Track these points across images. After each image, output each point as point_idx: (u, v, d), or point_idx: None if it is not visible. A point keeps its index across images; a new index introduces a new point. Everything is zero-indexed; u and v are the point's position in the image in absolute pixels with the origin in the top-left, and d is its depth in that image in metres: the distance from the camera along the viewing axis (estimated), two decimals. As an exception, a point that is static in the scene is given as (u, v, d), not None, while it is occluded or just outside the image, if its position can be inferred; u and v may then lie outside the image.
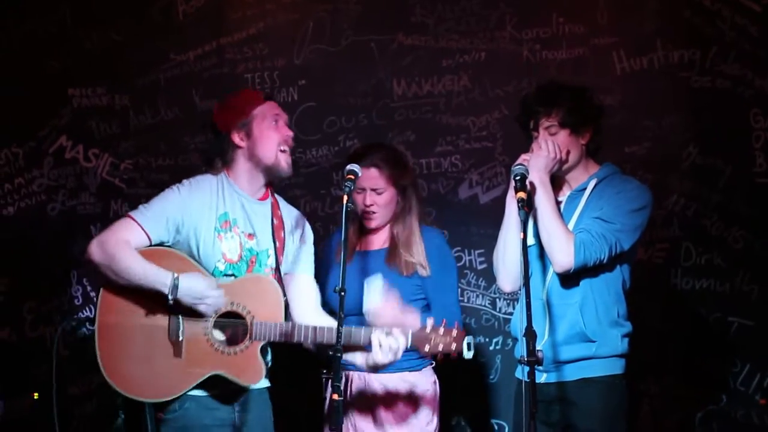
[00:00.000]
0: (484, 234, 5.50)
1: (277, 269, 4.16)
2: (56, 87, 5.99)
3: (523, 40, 5.60)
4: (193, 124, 5.87)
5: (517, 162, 4.15)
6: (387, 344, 3.97)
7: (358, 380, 4.49)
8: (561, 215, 4.17)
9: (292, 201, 4.46)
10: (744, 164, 5.28)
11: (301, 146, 5.50)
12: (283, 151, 4.14)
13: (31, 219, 5.96)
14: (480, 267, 5.56)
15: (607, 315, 4.15)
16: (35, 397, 4.99)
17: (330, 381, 4.36)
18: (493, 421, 5.47)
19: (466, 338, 3.98)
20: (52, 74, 5.99)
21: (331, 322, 4.04)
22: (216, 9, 5.93)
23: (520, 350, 3.87)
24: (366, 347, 4.05)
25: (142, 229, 3.96)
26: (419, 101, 5.70)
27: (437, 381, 4.58)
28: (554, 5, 5.57)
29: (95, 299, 5.71)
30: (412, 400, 4.47)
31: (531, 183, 4.13)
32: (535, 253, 4.24)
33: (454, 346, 3.98)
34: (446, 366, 4.60)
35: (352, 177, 4.01)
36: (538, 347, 3.72)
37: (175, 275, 3.88)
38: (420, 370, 4.50)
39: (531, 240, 4.23)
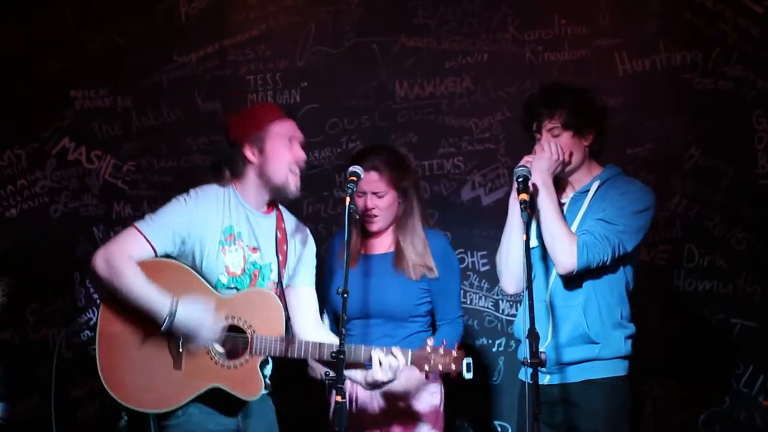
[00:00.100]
0: (486, 236, 5.50)
1: (279, 283, 4.15)
2: (59, 88, 5.99)
3: (526, 42, 5.60)
4: (196, 125, 5.88)
5: (520, 164, 4.15)
6: (387, 363, 3.96)
7: (362, 401, 4.49)
8: (564, 217, 4.17)
9: (294, 203, 4.46)
10: (746, 166, 5.28)
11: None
12: (293, 173, 4.09)
13: (34, 221, 5.96)
14: (483, 269, 5.56)
15: (610, 316, 4.15)
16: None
17: (332, 383, 4.37)
18: (496, 422, 5.47)
19: (465, 359, 3.98)
20: (54, 75, 5.99)
21: (331, 337, 4.06)
22: (218, 11, 5.93)
23: (523, 352, 3.86)
24: (366, 364, 4.05)
25: (148, 242, 3.93)
26: (422, 103, 5.70)
27: (442, 384, 4.59)
28: (556, 7, 5.58)
29: (98, 301, 5.76)
30: (417, 403, 4.47)
31: (534, 185, 4.13)
32: (538, 255, 4.24)
33: (453, 366, 3.98)
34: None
35: (355, 178, 4.02)
36: (541, 349, 3.72)
37: (174, 307, 3.85)
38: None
39: (534, 242, 4.23)
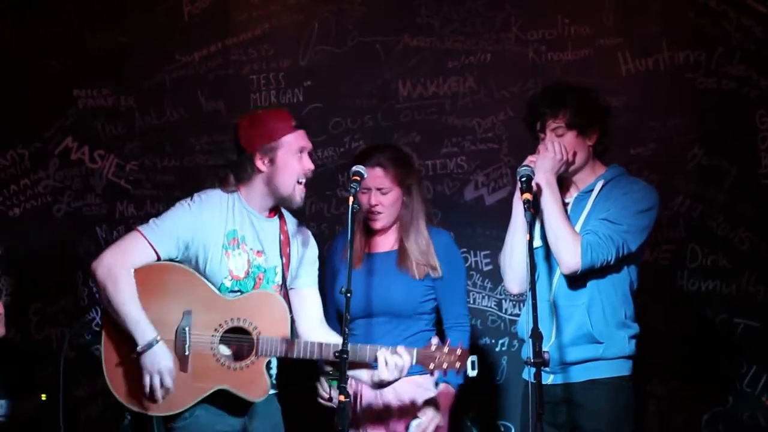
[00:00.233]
0: (489, 235, 5.50)
1: (284, 285, 4.16)
2: (61, 88, 5.99)
3: (529, 42, 5.60)
4: (199, 125, 5.88)
5: (524, 163, 4.15)
6: (393, 362, 3.99)
7: (367, 399, 4.49)
8: (568, 217, 4.17)
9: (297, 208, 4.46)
10: (750, 165, 5.27)
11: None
12: (300, 183, 4.12)
13: (37, 220, 5.97)
14: (486, 268, 5.56)
15: (614, 316, 4.15)
16: (43, 398, 4.99)
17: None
18: (500, 422, 5.47)
19: (470, 357, 4.00)
20: (57, 75, 6.00)
21: (335, 338, 4.06)
22: (221, 10, 5.93)
23: (527, 352, 3.87)
24: (371, 364, 4.06)
25: (152, 246, 3.95)
26: (425, 102, 5.70)
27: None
28: (559, 6, 5.57)
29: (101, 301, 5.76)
30: (423, 405, 4.48)
31: (537, 184, 4.13)
32: (542, 255, 4.24)
33: (458, 365, 4.01)
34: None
35: (358, 178, 4.03)
36: (544, 348, 3.73)
37: (155, 341, 3.89)
38: (428, 373, 4.49)
39: (538, 242, 4.23)
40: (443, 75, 5.68)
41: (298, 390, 4.48)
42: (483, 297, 5.56)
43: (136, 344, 3.88)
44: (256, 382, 4.00)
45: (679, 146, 5.37)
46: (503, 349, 5.52)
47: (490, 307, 5.55)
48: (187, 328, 3.94)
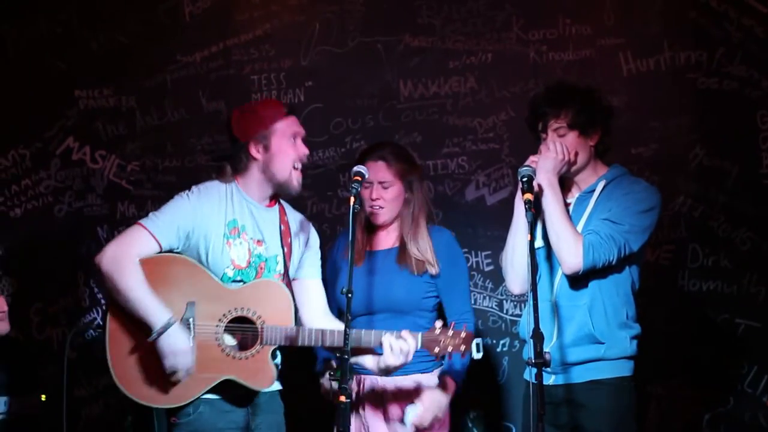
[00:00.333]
0: (490, 236, 5.50)
1: (286, 274, 4.17)
2: (63, 88, 6.00)
3: (530, 42, 5.59)
4: (200, 125, 5.89)
5: (526, 163, 4.15)
6: (398, 347, 4.00)
7: (369, 383, 4.50)
8: (570, 217, 4.17)
9: (298, 203, 4.47)
10: (751, 165, 5.26)
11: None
12: (296, 169, 4.14)
13: (38, 221, 5.97)
14: (487, 269, 5.56)
15: (616, 317, 4.15)
16: (43, 399, 4.99)
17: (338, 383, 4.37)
18: (501, 423, 5.46)
19: (475, 339, 4.01)
20: (58, 75, 6.00)
21: (340, 326, 4.05)
22: (222, 10, 5.93)
23: (528, 352, 3.87)
24: (376, 350, 4.07)
25: (153, 237, 3.96)
26: (426, 102, 5.70)
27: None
28: (561, 6, 5.57)
29: (102, 301, 5.77)
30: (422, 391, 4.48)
31: (539, 185, 4.13)
32: (544, 255, 4.24)
33: (463, 347, 4.02)
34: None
35: (359, 178, 4.02)
36: (546, 349, 3.72)
37: (171, 322, 3.89)
38: (430, 372, 4.51)
39: (539, 242, 4.23)
40: (444, 75, 5.68)
41: (300, 388, 4.48)
42: (484, 297, 5.56)
43: (150, 330, 3.88)
44: (262, 371, 4.01)
45: (681, 146, 5.37)
46: (504, 349, 5.52)
47: (491, 307, 5.55)
48: (191, 319, 3.95)
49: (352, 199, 3.91)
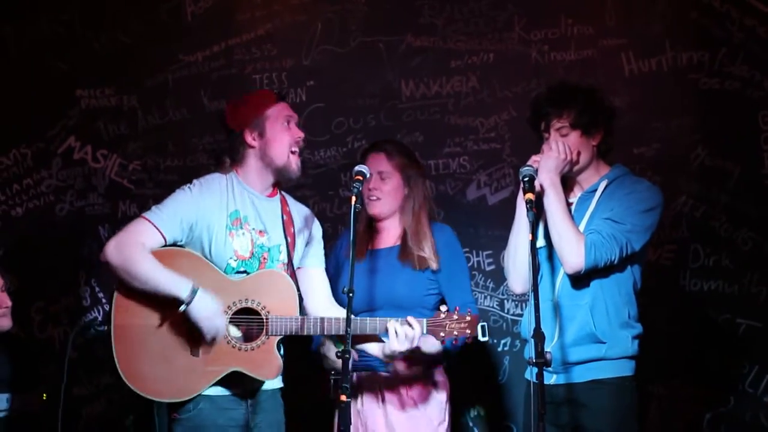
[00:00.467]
0: (492, 235, 5.51)
1: (290, 264, 4.17)
2: (65, 88, 6.01)
3: (532, 42, 5.60)
4: (202, 124, 5.89)
5: (528, 163, 4.16)
6: (403, 332, 4.02)
7: (368, 381, 4.51)
8: (572, 216, 4.17)
9: (300, 202, 4.47)
10: (753, 166, 5.26)
11: (309, 147, 5.50)
12: (293, 153, 4.17)
13: (40, 220, 5.98)
14: (488, 268, 5.56)
15: (617, 316, 4.14)
16: (44, 398, 4.99)
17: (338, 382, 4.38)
18: (502, 422, 5.46)
19: (480, 323, 4.04)
20: (60, 75, 6.01)
21: (344, 313, 4.05)
22: (224, 10, 5.94)
23: (529, 352, 3.87)
24: (381, 336, 4.09)
25: (158, 230, 3.97)
26: (427, 102, 5.70)
27: (447, 381, 4.60)
28: (562, 6, 5.57)
29: (103, 300, 5.78)
30: (422, 396, 4.48)
31: (541, 184, 4.13)
32: (545, 255, 4.24)
33: (468, 331, 4.05)
34: (455, 367, 4.63)
35: (361, 178, 4.03)
36: (547, 348, 3.72)
37: (195, 287, 3.89)
38: (431, 369, 4.50)
39: (541, 241, 4.24)
40: (446, 75, 5.69)
41: (301, 387, 4.48)
42: (485, 297, 5.56)
43: (179, 301, 3.88)
44: (269, 362, 4.01)
45: (682, 147, 5.36)
46: (505, 349, 5.52)
47: (493, 307, 5.55)
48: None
49: (354, 198, 3.92)
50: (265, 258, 4.11)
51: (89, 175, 5.97)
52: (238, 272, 4.06)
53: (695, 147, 5.35)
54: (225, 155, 4.23)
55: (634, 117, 5.32)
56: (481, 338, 4.07)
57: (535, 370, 3.67)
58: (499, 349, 5.52)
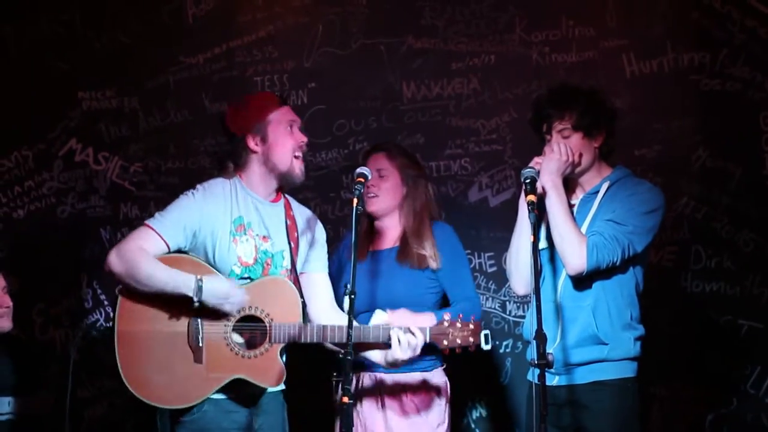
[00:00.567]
0: (493, 237, 5.51)
1: (293, 269, 4.17)
2: (66, 90, 6.00)
3: (533, 43, 5.60)
4: (203, 126, 5.89)
5: (530, 165, 4.16)
6: (406, 341, 4.02)
7: (368, 381, 4.51)
8: (573, 218, 4.17)
9: (301, 203, 4.47)
10: (754, 167, 5.26)
11: (310, 149, 5.44)
12: (297, 157, 4.15)
13: (41, 222, 5.98)
14: (490, 270, 5.55)
15: (620, 318, 4.14)
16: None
17: (340, 383, 4.38)
18: (504, 424, 5.46)
19: (483, 331, 4.05)
20: (61, 77, 6.00)
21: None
22: (225, 12, 5.94)
23: (531, 353, 3.87)
24: (384, 343, 4.09)
25: (161, 237, 3.96)
26: (429, 104, 5.70)
27: (448, 382, 4.60)
28: (563, 8, 5.57)
29: (105, 302, 5.77)
30: (423, 402, 4.48)
31: (543, 186, 4.13)
32: (547, 257, 4.24)
33: (471, 339, 4.05)
34: (456, 367, 4.63)
35: (362, 180, 4.03)
36: (549, 350, 3.73)
37: (199, 277, 3.89)
38: (431, 371, 4.51)
39: (543, 243, 4.24)
40: (447, 76, 5.69)
41: (302, 389, 4.48)
42: (487, 299, 5.55)
43: (186, 300, 3.89)
44: (272, 369, 4.01)
45: (684, 148, 5.36)
46: (507, 350, 5.52)
47: (495, 308, 5.55)
48: (199, 319, 3.95)
49: (355, 200, 3.92)
50: (268, 264, 4.11)
51: (90, 177, 5.96)
52: (242, 278, 4.05)
53: (696, 148, 5.34)
54: (228, 159, 4.21)
55: (635, 118, 5.31)
56: (484, 346, 4.07)
57: (537, 371, 3.67)
58: (501, 350, 5.52)
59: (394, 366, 4.15)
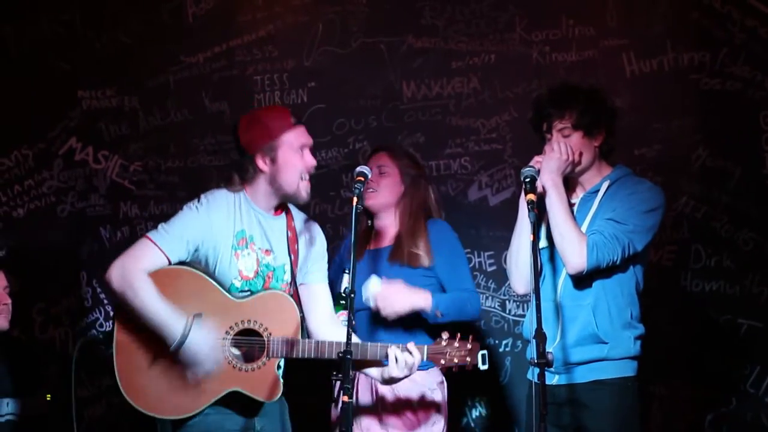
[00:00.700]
0: (493, 236, 5.51)
1: (293, 282, 4.17)
2: (66, 89, 6.00)
3: (533, 42, 5.60)
4: (203, 125, 5.89)
5: (530, 164, 4.16)
6: (403, 360, 4.00)
7: (364, 380, 4.52)
8: (574, 217, 4.17)
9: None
10: (754, 166, 5.26)
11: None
12: (303, 179, 4.11)
13: (41, 221, 5.98)
14: (490, 269, 5.56)
15: (620, 317, 4.14)
16: (47, 398, 4.99)
17: (340, 382, 4.38)
18: (503, 423, 5.46)
19: (481, 351, 4.04)
20: (61, 76, 6.01)
21: (345, 334, 4.06)
22: (226, 11, 5.94)
23: (531, 352, 3.87)
24: (382, 361, 4.09)
25: (162, 252, 3.93)
26: (429, 103, 5.70)
27: (444, 381, 4.61)
28: (564, 7, 5.57)
29: (105, 301, 5.78)
30: (419, 401, 4.50)
31: (544, 185, 4.13)
32: (547, 256, 4.24)
33: (468, 359, 4.04)
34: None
35: (362, 179, 4.04)
36: (549, 349, 3.72)
37: (187, 331, 3.86)
38: (427, 370, 4.51)
39: (544, 242, 4.24)
40: (447, 76, 5.69)
41: (303, 389, 4.48)
42: (487, 298, 5.55)
43: (167, 342, 3.87)
44: (269, 383, 4.00)
45: (684, 147, 5.36)
46: (507, 349, 5.52)
47: (494, 307, 5.55)
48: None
49: (355, 199, 3.92)
50: (269, 277, 4.10)
51: (90, 176, 5.97)
52: (242, 291, 4.04)
53: (696, 147, 5.34)
54: (234, 172, 4.17)
55: (635, 118, 5.31)
56: (481, 366, 4.04)
57: (537, 370, 3.67)
58: (501, 349, 5.52)
59: (390, 383, 4.15)
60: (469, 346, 4.05)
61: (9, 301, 4.90)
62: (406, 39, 5.73)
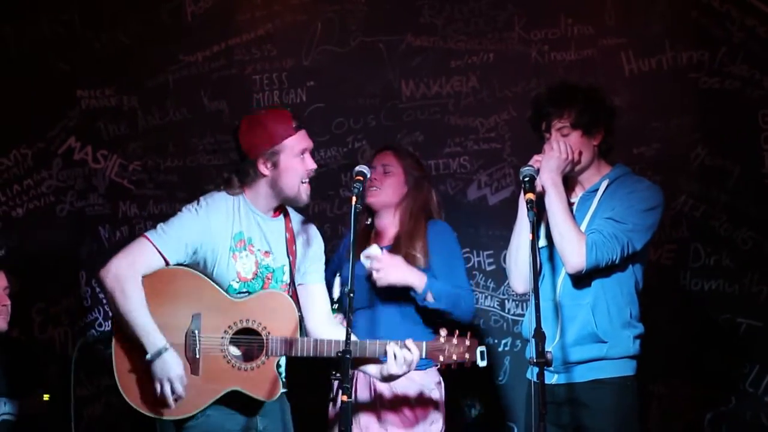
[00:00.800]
0: (492, 235, 5.51)
1: (291, 283, 4.17)
2: (65, 88, 6.01)
3: (532, 41, 5.59)
4: (202, 125, 5.89)
5: (529, 163, 4.16)
6: (402, 356, 4.00)
7: (363, 379, 4.52)
8: (573, 216, 4.17)
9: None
10: (753, 165, 5.25)
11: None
12: (304, 183, 4.11)
13: (40, 220, 5.99)
14: (489, 268, 5.56)
15: (619, 316, 4.14)
16: (45, 398, 4.99)
17: (338, 382, 4.38)
18: (503, 422, 5.46)
19: (479, 348, 4.04)
20: (60, 75, 6.02)
21: (343, 333, 4.06)
22: (224, 10, 5.94)
23: (530, 351, 3.87)
24: (380, 358, 4.08)
25: (160, 254, 3.94)
26: (428, 102, 5.70)
27: (442, 381, 4.61)
28: (562, 6, 5.56)
29: (104, 300, 5.77)
30: (417, 400, 4.50)
31: (543, 184, 4.13)
32: (546, 255, 4.24)
33: (467, 356, 4.04)
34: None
35: (361, 178, 4.04)
36: (548, 348, 3.72)
37: (166, 348, 3.87)
38: (425, 370, 4.51)
39: (543, 241, 4.24)
40: (446, 75, 5.69)
41: (304, 389, 4.48)
42: (486, 297, 5.56)
43: (146, 352, 3.88)
44: (268, 382, 4.01)
45: (682, 146, 5.36)
46: (506, 349, 5.52)
47: (493, 307, 5.55)
48: (196, 331, 3.95)
49: (354, 198, 3.92)
50: (269, 278, 4.11)
51: (89, 176, 5.97)
52: (240, 293, 4.05)
53: (695, 146, 5.34)
54: (233, 174, 4.17)
55: (633, 117, 5.31)
56: (479, 363, 4.05)
57: (536, 369, 3.66)
58: (500, 349, 5.52)
59: (389, 380, 4.15)
60: (467, 342, 4.05)
61: (8, 302, 4.90)
62: (405, 38, 5.73)
